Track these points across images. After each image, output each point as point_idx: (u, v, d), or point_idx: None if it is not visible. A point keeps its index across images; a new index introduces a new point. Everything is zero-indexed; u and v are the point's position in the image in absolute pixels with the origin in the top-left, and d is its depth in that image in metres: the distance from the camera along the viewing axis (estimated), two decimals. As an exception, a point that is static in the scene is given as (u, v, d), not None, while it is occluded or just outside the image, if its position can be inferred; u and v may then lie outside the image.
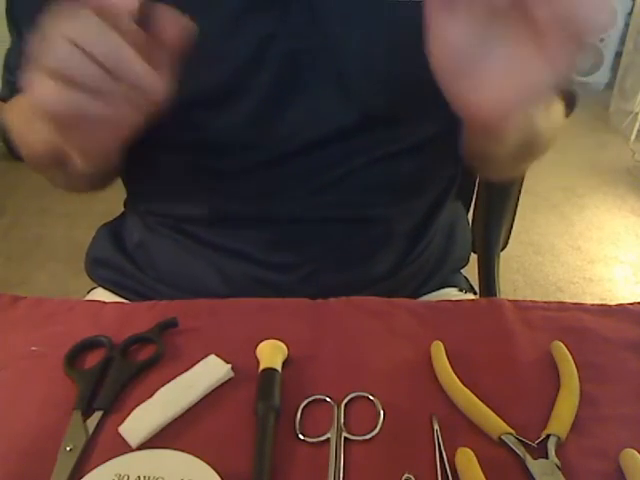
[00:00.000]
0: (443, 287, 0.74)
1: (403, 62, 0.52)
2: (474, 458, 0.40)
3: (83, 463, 0.41)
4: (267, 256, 0.63)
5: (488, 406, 0.44)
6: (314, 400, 0.46)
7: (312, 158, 0.58)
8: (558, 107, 0.63)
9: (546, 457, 0.41)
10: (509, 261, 2.01)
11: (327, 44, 0.52)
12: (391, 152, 0.59)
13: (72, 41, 0.35)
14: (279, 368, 0.47)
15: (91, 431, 0.43)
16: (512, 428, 0.43)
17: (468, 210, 0.90)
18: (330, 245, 0.63)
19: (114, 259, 0.72)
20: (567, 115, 0.67)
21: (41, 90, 0.37)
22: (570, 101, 0.67)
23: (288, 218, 0.61)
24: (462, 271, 0.79)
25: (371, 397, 0.46)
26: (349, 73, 0.54)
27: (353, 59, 0.53)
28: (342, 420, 0.44)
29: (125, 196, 0.73)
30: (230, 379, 0.48)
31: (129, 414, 0.44)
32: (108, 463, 0.39)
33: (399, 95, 0.54)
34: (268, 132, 0.56)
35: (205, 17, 0.51)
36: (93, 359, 0.49)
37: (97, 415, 0.44)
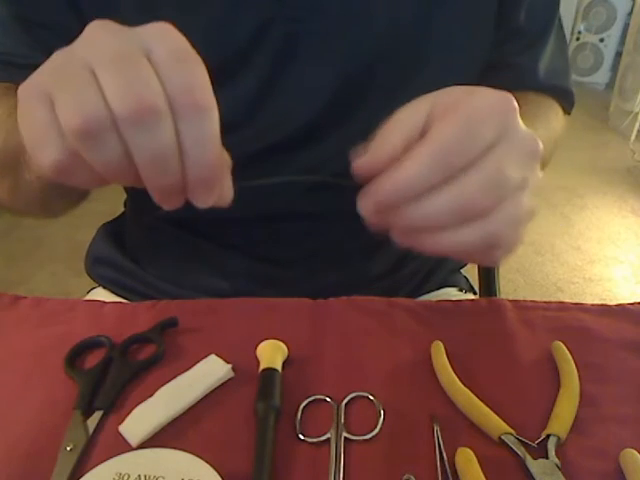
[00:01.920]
0: (443, 287, 0.74)
1: (402, 44, 0.53)
2: (474, 458, 0.40)
3: (83, 463, 0.41)
4: (267, 252, 0.63)
5: (488, 406, 0.44)
6: (314, 400, 0.46)
7: (310, 151, 0.57)
8: (556, 117, 0.63)
9: (546, 457, 0.41)
10: (509, 261, 2.01)
11: (326, 27, 0.52)
12: None
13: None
14: (279, 368, 0.47)
15: (91, 431, 0.43)
16: (512, 428, 0.43)
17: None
18: (330, 241, 0.63)
19: (115, 258, 0.72)
20: (567, 114, 0.67)
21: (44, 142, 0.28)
22: (567, 100, 0.67)
23: (288, 215, 0.61)
24: (462, 271, 0.79)
25: (371, 397, 0.46)
26: (347, 55, 0.54)
27: (351, 42, 0.53)
28: (342, 420, 0.44)
29: (125, 196, 0.73)
30: (230, 379, 0.48)
31: (129, 414, 0.44)
32: (108, 462, 0.39)
33: (398, 79, 0.54)
34: (265, 114, 0.55)
35: (205, 1, 0.51)
36: (93, 359, 0.49)
37: (97, 415, 0.44)
